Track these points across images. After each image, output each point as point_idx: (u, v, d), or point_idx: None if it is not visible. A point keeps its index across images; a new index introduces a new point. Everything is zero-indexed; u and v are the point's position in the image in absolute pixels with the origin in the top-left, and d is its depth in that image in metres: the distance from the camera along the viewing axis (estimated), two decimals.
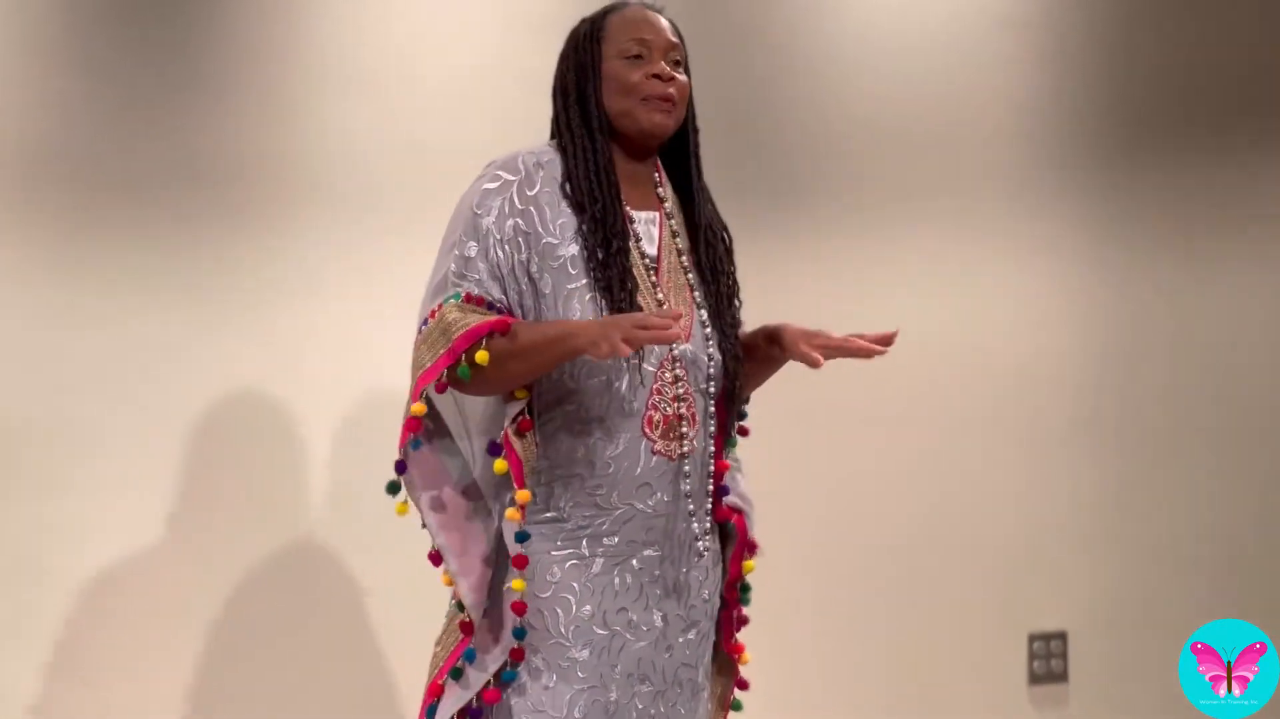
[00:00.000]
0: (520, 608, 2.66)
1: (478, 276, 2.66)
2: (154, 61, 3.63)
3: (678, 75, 2.77)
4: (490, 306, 2.65)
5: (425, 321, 2.67)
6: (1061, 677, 4.56)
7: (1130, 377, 4.64)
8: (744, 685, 3.00)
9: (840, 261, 4.31)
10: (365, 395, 3.78)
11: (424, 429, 2.69)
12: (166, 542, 3.63)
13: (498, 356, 2.59)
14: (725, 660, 2.96)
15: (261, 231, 3.72)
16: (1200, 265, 4.71)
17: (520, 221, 2.67)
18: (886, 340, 2.85)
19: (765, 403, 4.20)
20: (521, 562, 2.66)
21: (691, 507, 2.75)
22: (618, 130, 2.76)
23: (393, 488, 2.72)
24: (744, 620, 2.97)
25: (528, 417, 2.66)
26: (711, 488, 2.83)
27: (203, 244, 3.66)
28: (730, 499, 2.87)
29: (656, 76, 2.74)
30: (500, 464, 2.64)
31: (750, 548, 2.91)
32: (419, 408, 2.64)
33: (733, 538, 2.91)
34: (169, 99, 3.64)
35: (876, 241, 4.35)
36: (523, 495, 2.64)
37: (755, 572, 4.15)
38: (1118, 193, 4.61)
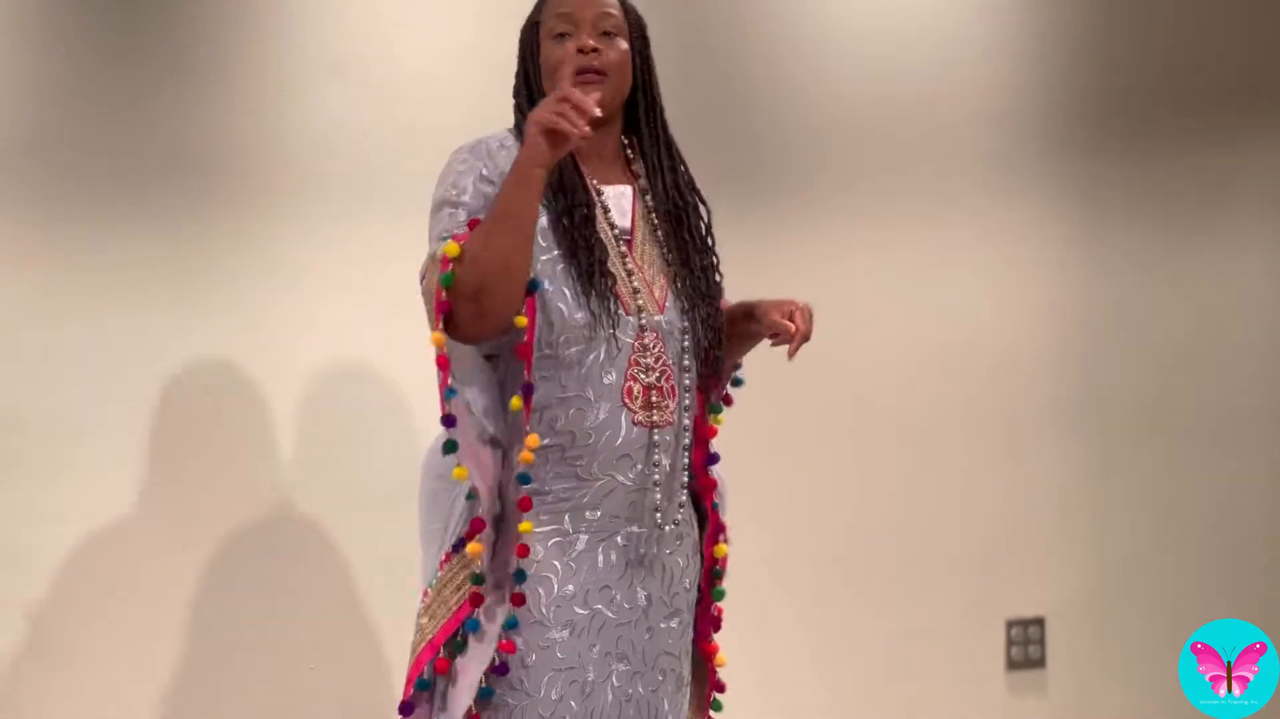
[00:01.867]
0: (524, 550, 2.63)
1: (461, 230, 2.63)
2: (137, 49, 3.61)
3: (604, 45, 2.74)
4: None
5: (422, 278, 2.64)
6: (1039, 663, 4.58)
7: (1109, 364, 4.66)
8: (721, 688, 2.97)
9: (818, 249, 4.30)
10: (354, 384, 3.78)
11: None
12: (152, 530, 3.62)
13: (471, 244, 2.55)
14: (700, 667, 2.93)
15: (246, 220, 3.71)
16: (1181, 252, 4.72)
17: (492, 190, 2.65)
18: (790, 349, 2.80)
19: (743, 391, 4.22)
20: (526, 503, 2.64)
21: (659, 478, 2.72)
22: None
23: (450, 446, 2.64)
24: (717, 619, 2.93)
25: (524, 341, 2.62)
26: (685, 462, 2.79)
27: (187, 232, 3.65)
28: (715, 469, 2.86)
29: (580, 51, 2.71)
30: (516, 401, 2.63)
31: (719, 530, 2.88)
32: (437, 338, 2.59)
33: (707, 520, 2.89)
34: (152, 87, 3.62)
35: (855, 228, 4.34)
36: (531, 439, 2.63)
37: (736, 557, 4.19)
38: (1098, 179, 4.62)
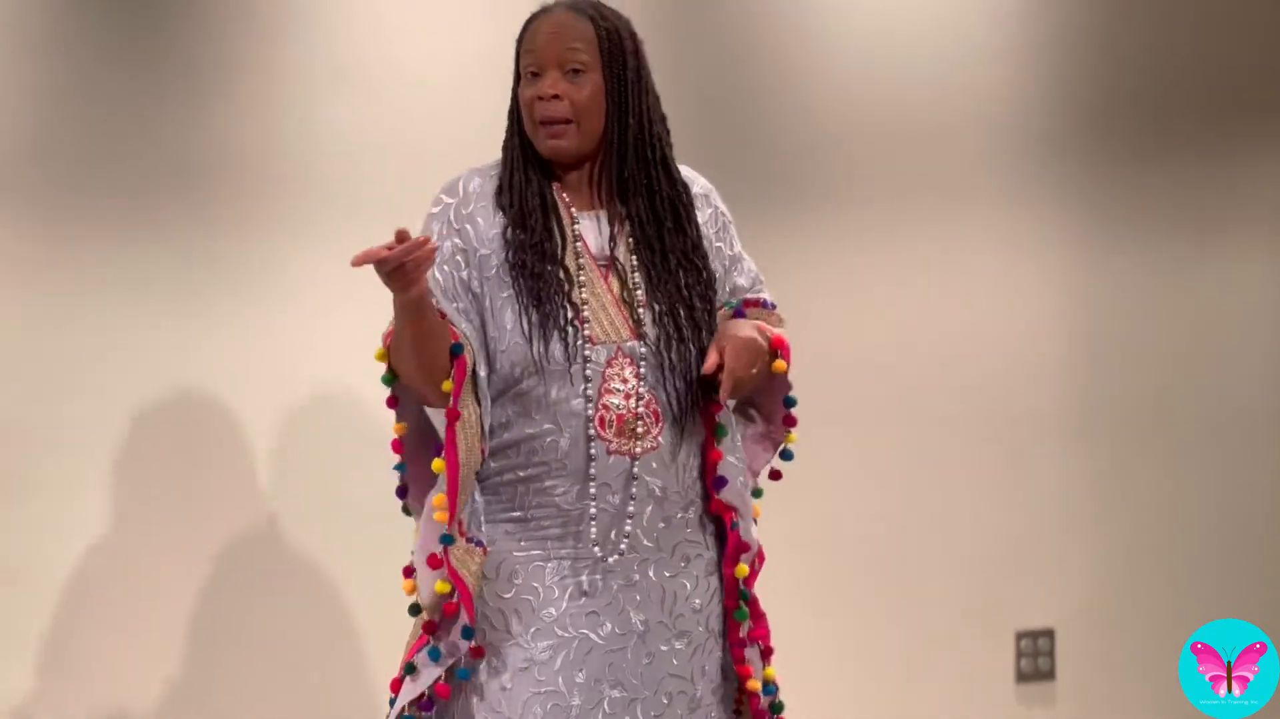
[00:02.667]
0: (450, 610, 2.62)
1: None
2: (142, 58, 3.62)
3: (570, 88, 2.69)
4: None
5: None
6: (1049, 675, 4.56)
7: (1118, 373, 4.65)
8: (762, 717, 2.85)
9: (823, 254, 4.31)
10: (355, 396, 3.76)
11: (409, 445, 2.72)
12: (159, 542, 3.63)
13: (392, 348, 2.63)
14: (736, 682, 2.85)
15: (251, 229, 3.71)
16: (1186, 259, 4.71)
17: (458, 240, 2.69)
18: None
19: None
20: (434, 562, 2.61)
21: (634, 509, 2.69)
22: None
23: (407, 511, 2.76)
24: (755, 640, 2.84)
25: (455, 409, 2.61)
26: (681, 485, 2.74)
27: (191, 242, 3.65)
28: (724, 494, 2.78)
29: (539, 99, 2.69)
30: (438, 463, 2.62)
31: (740, 549, 2.80)
32: (399, 428, 2.70)
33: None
34: (157, 96, 3.63)
35: (863, 236, 4.34)
36: (439, 499, 2.60)
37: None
38: (1104, 186, 4.61)
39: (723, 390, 2.67)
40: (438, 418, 2.69)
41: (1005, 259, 4.51)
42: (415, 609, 2.69)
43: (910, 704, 4.40)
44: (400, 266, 2.47)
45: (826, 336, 4.29)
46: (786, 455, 2.92)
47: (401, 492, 2.73)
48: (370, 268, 3.20)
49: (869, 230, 4.35)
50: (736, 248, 2.92)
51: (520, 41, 2.76)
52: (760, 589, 4.19)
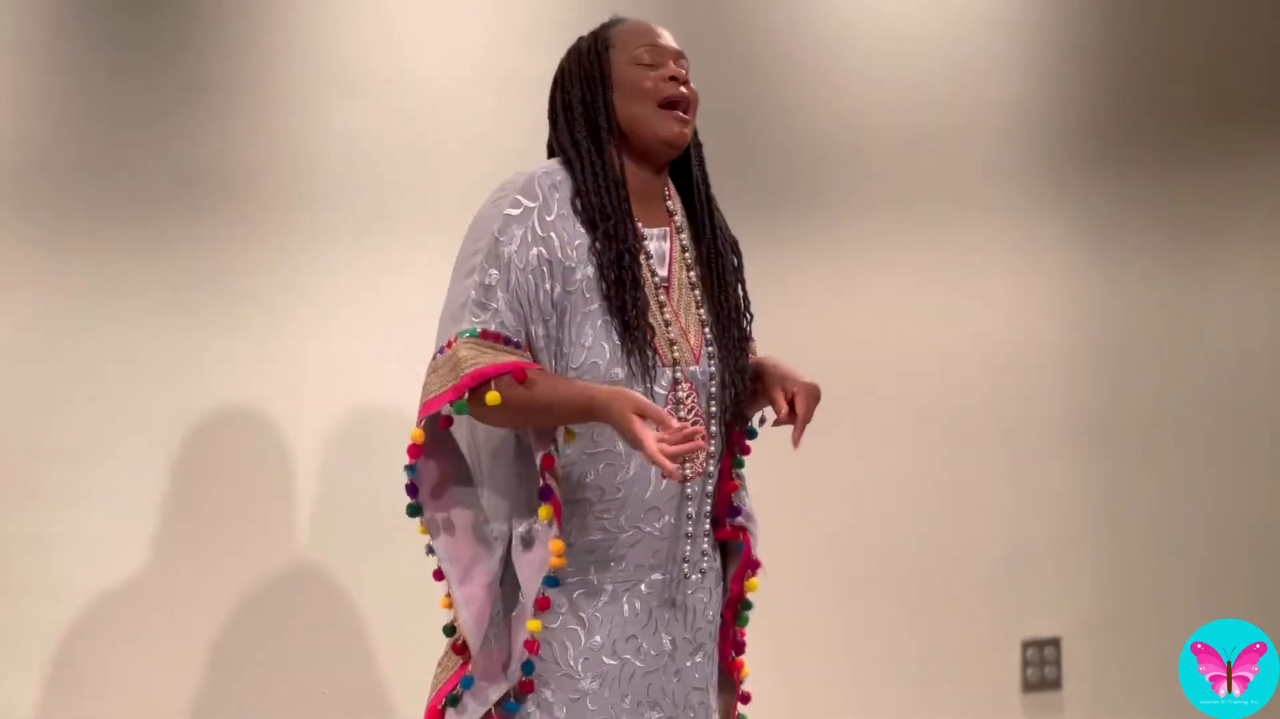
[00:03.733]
0: (533, 647, 2.62)
1: (496, 307, 2.58)
2: (150, 68, 3.62)
3: (693, 88, 2.73)
4: (507, 341, 2.58)
5: (441, 350, 2.61)
6: (1055, 684, 4.54)
7: (1123, 381, 4.64)
8: (746, 699, 2.96)
9: (831, 264, 4.31)
10: (366, 406, 3.77)
11: (433, 452, 2.65)
12: (170, 552, 3.62)
13: (512, 402, 2.53)
14: (725, 678, 2.90)
15: (259, 238, 3.71)
16: (1192, 266, 4.71)
17: (543, 250, 2.60)
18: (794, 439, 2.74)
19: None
20: (544, 604, 2.61)
21: (692, 528, 2.71)
22: (630, 141, 2.69)
23: (413, 510, 2.67)
24: (740, 643, 2.91)
25: (550, 453, 2.60)
26: (709, 507, 2.77)
27: (200, 252, 3.65)
28: (737, 520, 2.83)
29: (673, 79, 2.69)
30: (545, 511, 2.58)
31: (753, 566, 2.85)
32: (417, 434, 2.61)
33: (735, 555, 2.85)
34: (164, 106, 3.63)
35: (867, 244, 4.35)
36: (556, 545, 2.58)
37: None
38: (1109, 195, 4.62)
39: (796, 436, 2.69)
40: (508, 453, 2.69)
41: (1011, 268, 4.51)
42: (450, 629, 2.67)
43: (917, 713, 4.38)
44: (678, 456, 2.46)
45: (834, 344, 4.28)
46: (751, 433, 2.94)
47: (412, 490, 2.66)
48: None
49: (876, 239, 4.35)
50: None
51: (613, 36, 2.73)
52: (765, 598, 4.22)
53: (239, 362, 3.66)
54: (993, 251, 4.49)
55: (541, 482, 2.60)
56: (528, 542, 2.64)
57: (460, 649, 2.66)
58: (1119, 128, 4.63)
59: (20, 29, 3.53)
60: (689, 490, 2.69)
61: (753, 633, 4.13)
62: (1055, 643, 4.55)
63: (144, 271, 3.60)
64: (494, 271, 2.59)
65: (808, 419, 2.72)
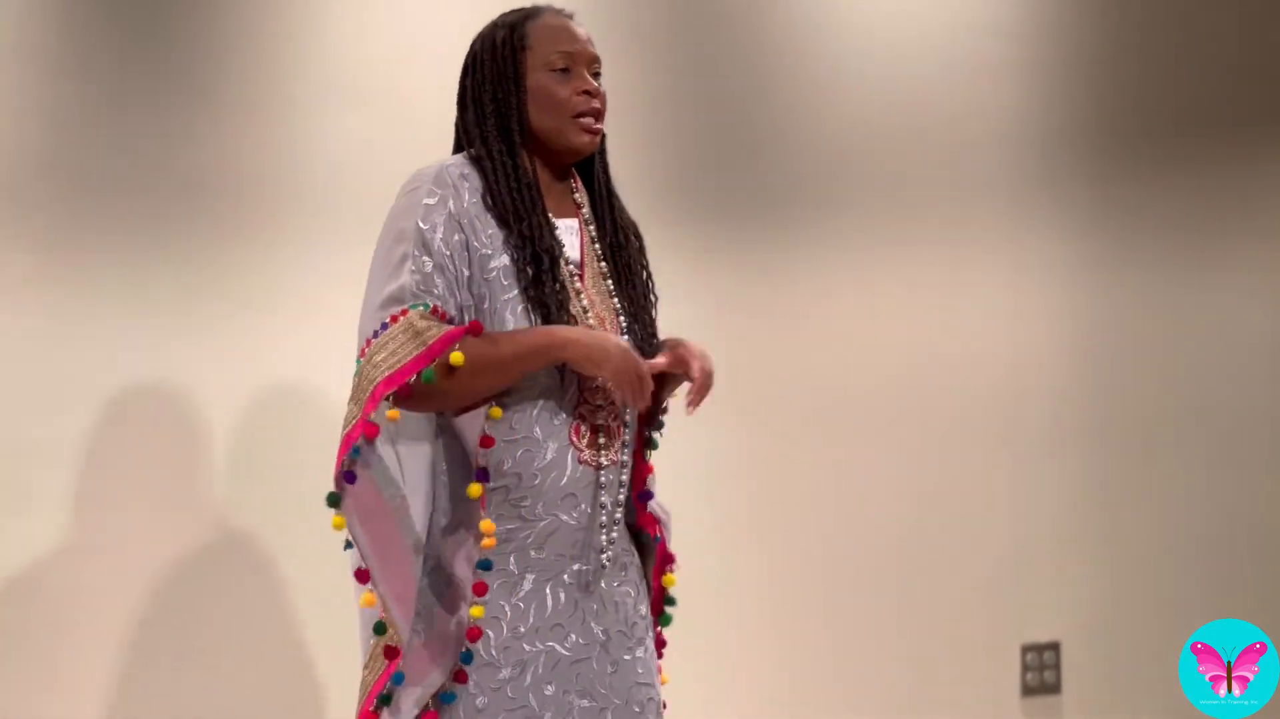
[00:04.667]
0: (475, 634, 2.61)
1: (438, 291, 2.60)
2: (148, 72, 3.62)
3: (601, 89, 2.74)
4: (450, 323, 2.60)
5: (383, 327, 2.58)
6: (1054, 688, 4.55)
7: (1121, 385, 4.65)
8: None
9: (830, 271, 4.32)
10: None
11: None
12: (158, 555, 3.61)
13: (474, 359, 2.55)
14: None
15: (258, 243, 3.71)
16: (1189, 272, 4.72)
17: (462, 236, 2.63)
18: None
19: (754, 411, 4.24)
20: (481, 588, 2.61)
21: (606, 518, 2.70)
22: (540, 144, 2.72)
23: (333, 499, 2.60)
24: (660, 643, 2.88)
25: (488, 434, 2.62)
26: (623, 497, 2.74)
27: (201, 260, 3.65)
28: (653, 505, 2.82)
29: (586, 93, 2.70)
30: (476, 488, 2.60)
31: (668, 561, 2.83)
32: (393, 414, 2.55)
33: (651, 551, 2.84)
34: (167, 115, 3.63)
35: (866, 251, 4.35)
36: (486, 525, 2.60)
37: (751, 580, 4.23)
38: (1108, 199, 4.63)
39: (694, 397, 2.68)
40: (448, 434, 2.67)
41: (1010, 272, 4.52)
42: (381, 628, 2.63)
43: (916, 717, 4.38)
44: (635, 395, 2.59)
45: (833, 348, 4.30)
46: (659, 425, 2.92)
47: (350, 476, 2.59)
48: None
49: (874, 243, 4.36)
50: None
51: (525, 33, 2.73)
52: (764, 600, 4.23)
53: (239, 365, 3.67)
54: (992, 255, 4.50)
55: (476, 462, 2.61)
56: (453, 529, 2.65)
57: (390, 650, 2.62)
58: (1117, 133, 4.64)
59: (23, 36, 3.53)
60: (604, 479, 2.69)
61: (748, 632, 4.18)
62: (1055, 647, 4.55)
63: (145, 276, 3.60)
64: (426, 259, 2.60)
65: (705, 385, 2.70)
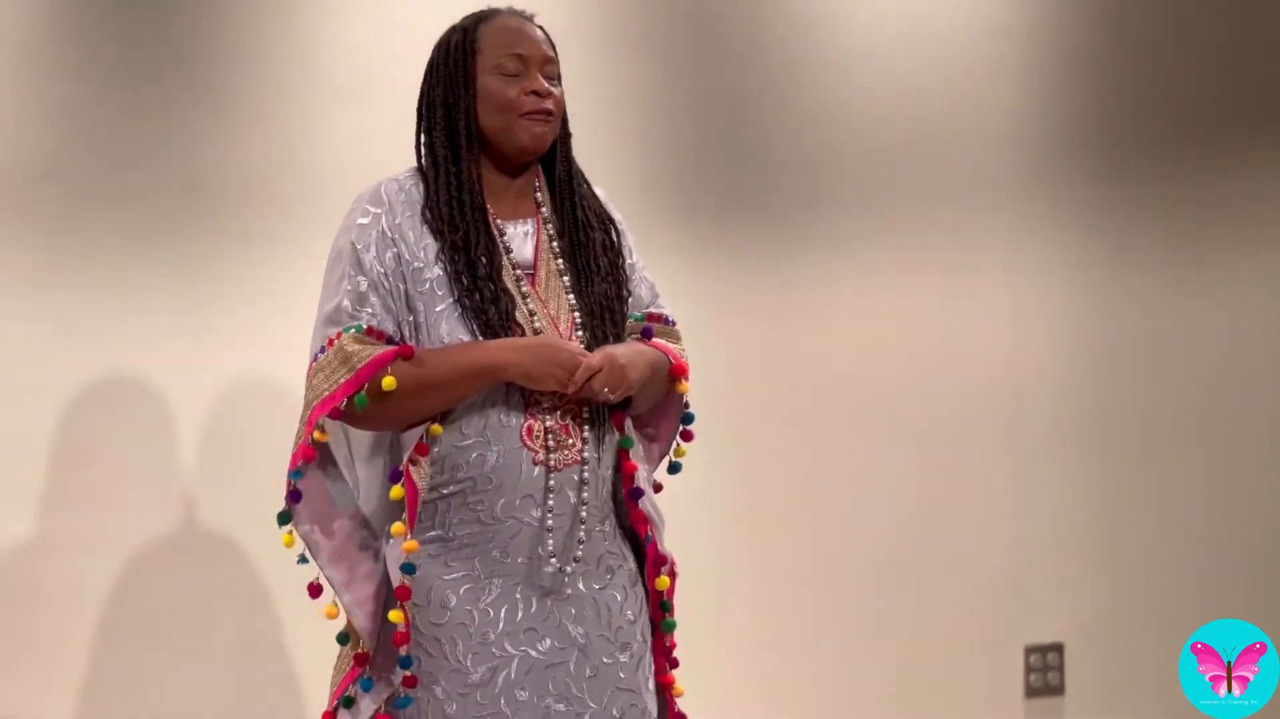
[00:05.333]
0: (401, 639, 2.60)
1: (372, 310, 2.63)
2: (152, 73, 3.63)
3: (555, 90, 2.74)
4: (390, 341, 2.63)
5: (322, 350, 2.63)
6: (1058, 689, 4.54)
7: (1121, 385, 4.65)
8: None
9: (834, 272, 4.32)
10: None
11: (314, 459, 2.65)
12: (166, 554, 3.62)
13: (405, 383, 2.57)
14: (659, 693, 2.85)
15: (261, 248, 3.72)
16: (1189, 273, 4.71)
17: (393, 250, 2.66)
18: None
19: (755, 412, 4.24)
20: (404, 593, 2.60)
21: (571, 520, 2.68)
22: (492, 146, 2.72)
23: (284, 518, 2.67)
24: (671, 651, 2.84)
25: (424, 441, 2.63)
26: (598, 498, 2.72)
27: (202, 260, 3.66)
28: (644, 504, 2.78)
29: (535, 93, 2.70)
30: (397, 490, 2.60)
31: (659, 563, 2.79)
32: (321, 435, 2.61)
33: (644, 553, 2.81)
34: (168, 116, 3.64)
35: (870, 252, 4.35)
36: (397, 528, 2.59)
37: (750, 582, 4.23)
38: (1114, 205, 4.62)
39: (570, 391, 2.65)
40: (376, 448, 2.70)
41: (1010, 273, 4.52)
42: (344, 638, 2.67)
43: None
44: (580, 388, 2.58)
45: (833, 349, 4.31)
46: (674, 468, 2.92)
47: (296, 496, 2.66)
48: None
49: (873, 244, 4.36)
50: (634, 257, 2.89)
51: (479, 38, 2.73)
52: (767, 602, 4.23)
53: (241, 364, 3.68)
54: (992, 256, 4.49)
55: (402, 464, 2.61)
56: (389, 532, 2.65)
57: (361, 658, 2.64)
58: (1118, 134, 4.64)
59: (24, 38, 3.54)
60: (563, 479, 2.66)
61: (751, 634, 4.18)
62: (1058, 648, 4.55)
63: (146, 280, 3.61)
64: (361, 279, 2.64)
65: (595, 384, 2.64)
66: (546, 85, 2.72)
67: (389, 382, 2.56)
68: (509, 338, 2.63)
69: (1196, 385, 4.73)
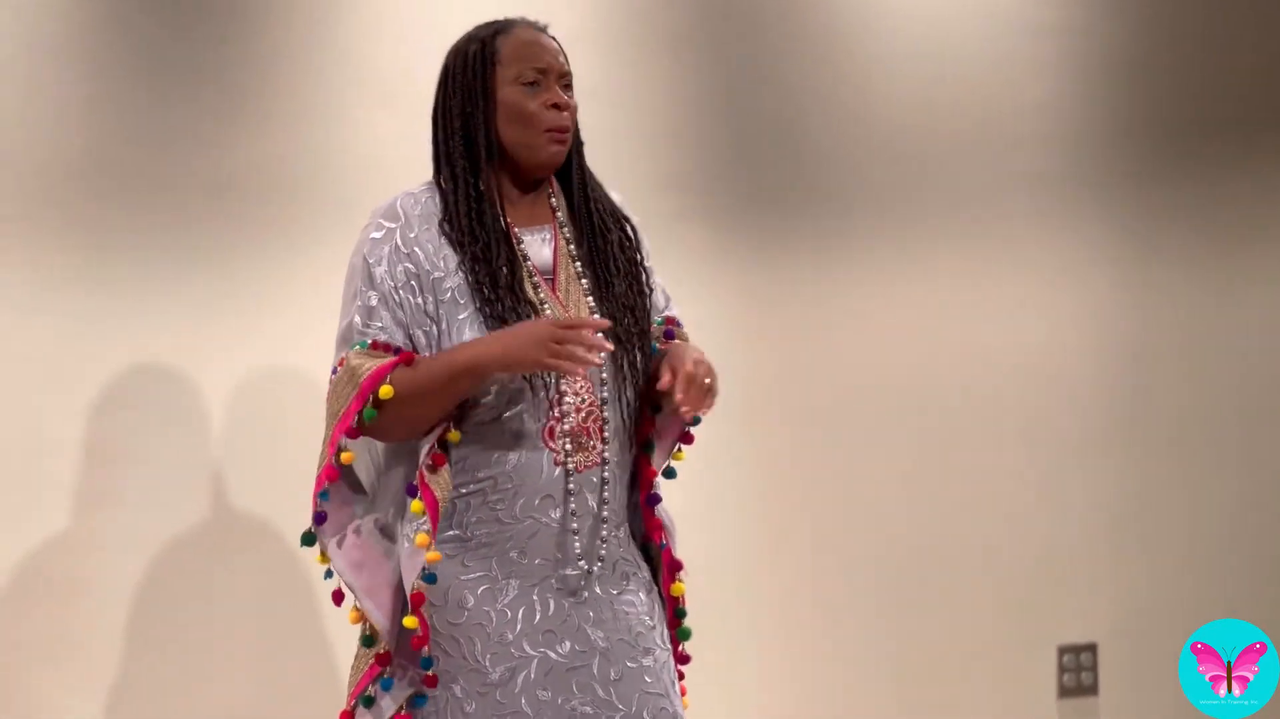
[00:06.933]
0: (418, 643, 2.61)
1: (380, 324, 2.64)
2: (184, 78, 3.64)
3: (572, 102, 2.75)
4: (396, 352, 2.63)
5: (334, 371, 2.66)
6: (1091, 689, 4.52)
7: (1155, 384, 4.62)
8: None
9: (863, 269, 4.32)
10: None
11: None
12: (193, 553, 3.63)
13: (403, 391, 2.57)
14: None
15: (291, 248, 3.72)
16: (1224, 273, 4.68)
17: (410, 265, 2.66)
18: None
19: (783, 411, 4.25)
20: (419, 599, 2.60)
21: (591, 522, 2.68)
22: (509, 157, 2.72)
23: (308, 539, 2.70)
24: (683, 660, 2.84)
25: (440, 451, 2.62)
26: (616, 501, 2.72)
27: (231, 260, 3.67)
28: (659, 509, 2.78)
29: (555, 106, 2.70)
30: (417, 505, 2.60)
31: (674, 568, 2.79)
32: (347, 457, 2.62)
33: (658, 559, 2.80)
34: (198, 116, 3.65)
35: (899, 249, 4.35)
36: (421, 539, 2.59)
37: (780, 583, 4.24)
38: (1143, 204, 4.60)
39: (685, 414, 2.63)
40: (396, 457, 2.71)
41: (1044, 273, 4.50)
42: (370, 641, 2.68)
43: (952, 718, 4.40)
44: (563, 356, 2.51)
45: (865, 348, 4.30)
46: (670, 473, 2.89)
47: (321, 518, 2.68)
48: None
49: (907, 243, 4.35)
50: (649, 260, 2.88)
51: (499, 50, 2.73)
52: (796, 602, 4.23)
53: (272, 361, 3.69)
54: (1025, 256, 4.48)
55: (417, 477, 2.62)
56: (410, 539, 2.64)
57: (383, 658, 2.66)
58: (1152, 133, 4.61)
59: (61, 41, 3.56)
60: (583, 480, 2.66)
61: (779, 634, 4.18)
62: (1092, 648, 4.53)
63: (175, 279, 3.62)
64: (371, 293, 2.65)
65: (697, 402, 2.62)
66: (565, 98, 2.72)
67: (386, 390, 2.56)
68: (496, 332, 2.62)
69: (1229, 385, 4.69)
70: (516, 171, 2.75)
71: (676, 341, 2.82)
